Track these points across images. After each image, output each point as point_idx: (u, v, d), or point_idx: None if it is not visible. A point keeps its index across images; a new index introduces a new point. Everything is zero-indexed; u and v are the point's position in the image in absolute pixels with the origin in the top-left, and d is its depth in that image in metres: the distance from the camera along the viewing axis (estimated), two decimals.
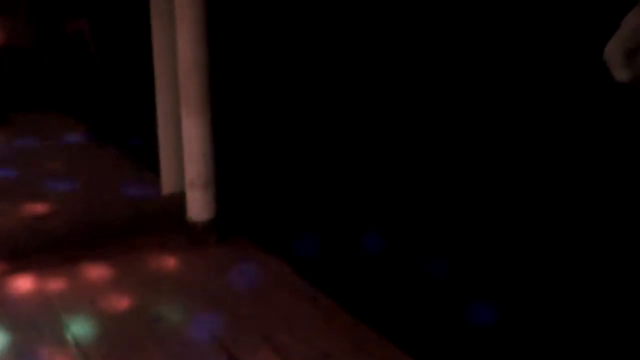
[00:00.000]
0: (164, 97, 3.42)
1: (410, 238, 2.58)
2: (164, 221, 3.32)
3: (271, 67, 3.49)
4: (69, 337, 2.37)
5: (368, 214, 2.84)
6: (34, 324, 2.46)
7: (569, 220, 2.01)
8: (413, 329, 2.36)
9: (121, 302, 2.61)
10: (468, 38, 2.19)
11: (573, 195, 1.98)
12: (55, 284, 2.74)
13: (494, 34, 2.14)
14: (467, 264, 2.35)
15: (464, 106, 2.25)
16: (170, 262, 2.99)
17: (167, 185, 3.52)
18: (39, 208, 3.45)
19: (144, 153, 4.06)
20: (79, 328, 2.45)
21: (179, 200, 3.31)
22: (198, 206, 3.20)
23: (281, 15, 3.25)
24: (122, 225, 3.31)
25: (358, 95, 2.77)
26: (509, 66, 2.09)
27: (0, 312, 2.55)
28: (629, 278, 1.86)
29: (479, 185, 2.35)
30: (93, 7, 5.60)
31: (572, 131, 1.94)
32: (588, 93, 1.91)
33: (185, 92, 3.07)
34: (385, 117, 2.63)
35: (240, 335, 2.40)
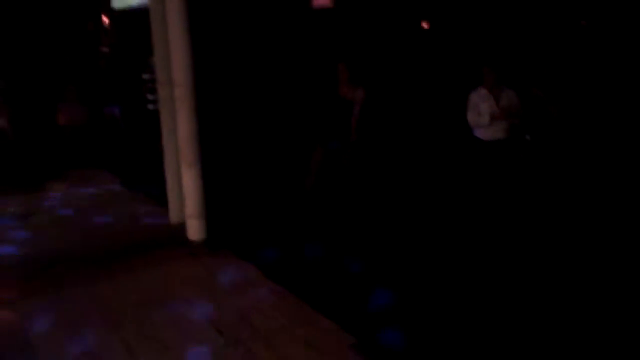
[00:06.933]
0: (170, 159, 4.41)
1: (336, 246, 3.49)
2: (172, 240, 4.16)
3: (246, 133, 4.64)
4: None
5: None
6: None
7: None
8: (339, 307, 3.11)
9: (142, 296, 3.21)
10: None
11: None
12: (103, 285, 3.42)
13: None
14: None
15: None
16: (177, 267, 3.70)
17: (174, 217, 4.50)
18: (87, 234, 4.40)
19: (158, 196, 5.01)
20: None
21: (181, 226, 4.25)
22: (194, 230, 4.14)
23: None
24: (144, 243, 4.16)
25: None
26: None
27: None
28: None
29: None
30: (122, 99, 6.78)
31: None
32: None
33: (184, 154, 4.06)
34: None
35: (224, 315, 2.98)
